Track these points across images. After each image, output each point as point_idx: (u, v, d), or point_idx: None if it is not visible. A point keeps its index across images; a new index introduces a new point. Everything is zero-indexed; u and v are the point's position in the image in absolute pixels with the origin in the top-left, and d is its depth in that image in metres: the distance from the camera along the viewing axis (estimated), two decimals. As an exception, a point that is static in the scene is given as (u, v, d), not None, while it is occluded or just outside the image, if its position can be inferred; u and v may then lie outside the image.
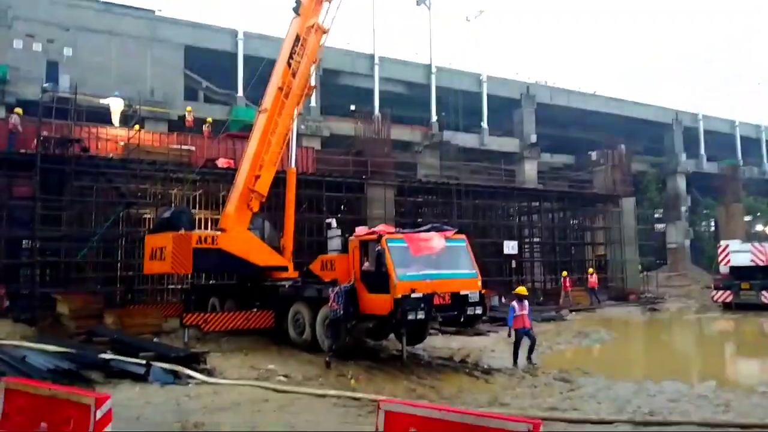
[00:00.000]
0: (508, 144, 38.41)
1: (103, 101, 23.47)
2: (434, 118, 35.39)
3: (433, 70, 36.02)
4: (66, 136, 19.69)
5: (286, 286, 14.36)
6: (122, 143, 21.15)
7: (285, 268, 15.66)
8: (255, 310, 14.41)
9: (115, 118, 23.08)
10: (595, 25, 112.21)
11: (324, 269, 13.89)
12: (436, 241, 12.60)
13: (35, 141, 18.87)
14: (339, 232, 16.79)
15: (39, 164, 18.18)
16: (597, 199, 32.81)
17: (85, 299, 15.92)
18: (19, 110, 20.55)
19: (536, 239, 32.81)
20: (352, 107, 35.74)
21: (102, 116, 22.99)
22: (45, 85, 24.50)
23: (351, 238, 13.51)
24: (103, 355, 10.77)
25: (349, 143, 28.76)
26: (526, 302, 12.76)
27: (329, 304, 11.91)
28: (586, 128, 42.99)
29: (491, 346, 14.90)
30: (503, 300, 22.81)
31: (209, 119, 24.74)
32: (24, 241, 19.61)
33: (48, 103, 22.05)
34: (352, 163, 25.51)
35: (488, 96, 37.55)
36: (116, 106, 23.38)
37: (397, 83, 35.62)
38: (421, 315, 11.33)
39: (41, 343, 11.61)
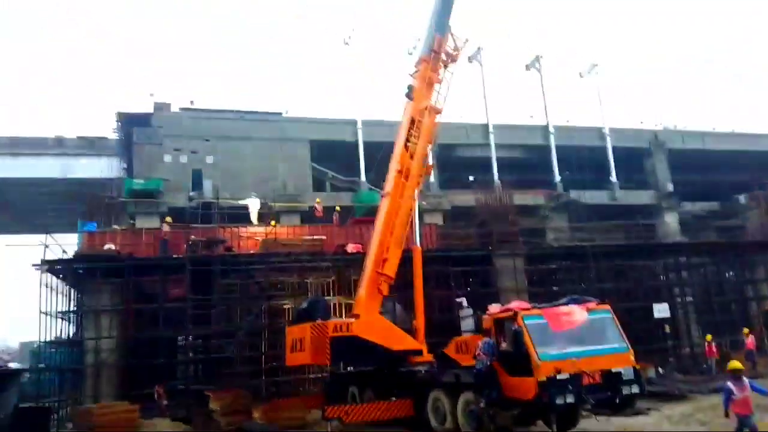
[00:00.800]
0: (642, 197, 36.08)
1: (242, 202, 25.46)
2: (557, 178, 34.33)
3: (551, 129, 35.32)
4: (211, 238, 21.48)
5: (423, 372, 14.04)
6: (260, 239, 22.60)
7: (420, 352, 15.37)
8: (394, 399, 14.16)
9: (254, 217, 24.86)
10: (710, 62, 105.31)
11: (459, 352, 13.45)
12: (577, 314, 11.81)
13: (185, 245, 20.74)
14: (471, 311, 16.30)
15: (189, 267, 19.87)
16: (754, 248, 29.34)
17: (234, 395, 16.63)
18: (168, 219, 22.82)
19: (689, 298, 29.74)
20: (471, 178, 35.76)
21: (242, 216, 24.83)
22: (191, 193, 27.15)
23: (484, 317, 13.04)
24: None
25: (472, 215, 28.52)
26: (745, 380, 9.62)
27: (476, 354, 11.40)
28: (727, 170, 39.35)
29: (654, 427, 13.33)
30: (660, 371, 20.60)
31: (338, 207, 25.87)
32: (179, 338, 21.19)
33: (194, 209, 24.45)
34: (476, 234, 25.15)
35: (613, 148, 35.92)
36: (254, 205, 25.22)
37: (514, 148, 35.26)
38: (570, 399, 10.47)
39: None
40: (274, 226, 23.31)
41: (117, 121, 32.04)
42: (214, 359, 19.75)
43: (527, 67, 37.65)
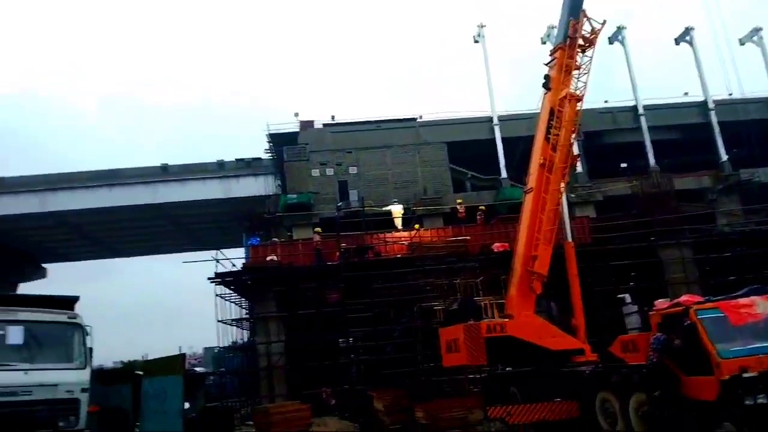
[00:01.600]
0: (831, 169, 31.39)
1: (385, 208, 26.22)
2: (724, 157, 31.04)
3: (711, 105, 32.06)
4: (360, 245, 22.36)
5: (587, 372, 13.39)
6: (406, 243, 23.08)
7: (581, 351, 14.70)
8: (558, 400, 13.66)
9: (398, 222, 25.49)
10: None
11: (626, 351, 12.62)
12: (760, 306, 10.57)
13: (336, 253, 21.81)
14: (635, 308, 15.31)
15: (342, 273, 20.87)
16: None
17: (394, 394, 17.09)
18: (318, 230, 24.11)
19: None
20: (623, 165, 33.51)
21: (388, 221, 25.54)
22: (339, 203, 28.48)
23: (651, 313, 12.13)
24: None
25: (627, 204, 26.70)
26: None
27: (649, 354, 10.67)
28: None
29: None
30: None
31: (482, 207, 25.62)
32: (341, 341, 22.29)
33: (342, 219, 25.58)
34: (634, 225, 23.47)
35: (790, 119, 31.68)
36: (397, 210, 25.85)
37: (669, 129, 32.52)
38: (762, 399, 9.36)
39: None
40: (418, 229, 23.68)
41: (268, 142, 34.61)
42: (374, 360, 20.51)
43: (677, 41, 34.61)
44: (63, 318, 10.44)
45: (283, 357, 21.28)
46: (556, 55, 16.78)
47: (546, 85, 16.76)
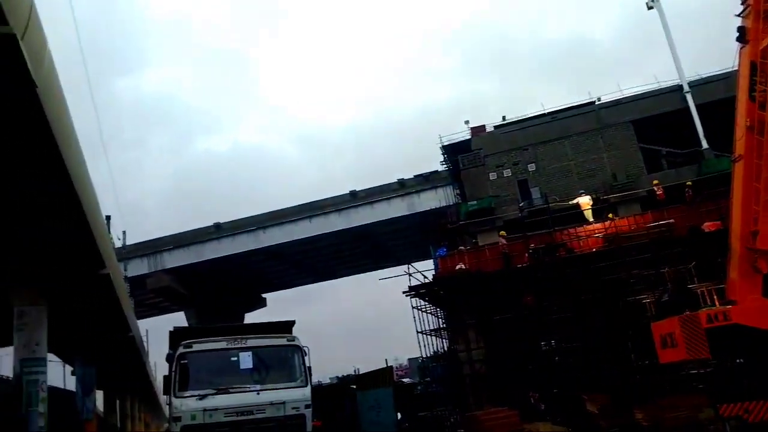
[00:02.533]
0: None
1: (572, 202, 24.94)
2: None
3: None
4: (550, 243, 21.55)
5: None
6: (601, 235, 21.71)
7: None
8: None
9: (588, 214, 24.06)
10: None
11: None
12: None
13: (525, 255, 21.27)
14: None
15: (534, 274, 20.29)
16: None
17: (608, 396, 16.11)
18: (503, 233, 23.69)
19: None
20: None
21: (576, 215, 24.24)
22: (521, 203, 27.79)
23: None
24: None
25: None
26: None
27: None
28: None
29: None
30: None
31: (689, 182, 23.18)
32: (542, 343, 21.62)
33: (527, 218, 24.92)
34: None
35: None
36: (585, 202, 24.45)
37: None
38: None
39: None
40: (612, 219, 22.14)
41: (442, 153, 35.19)
42: (580, 361, 19.54)
43: None
44: (283, 342, 11.57)
45: (484, 364, 21.25)
46: (750, 1, 14.68)
47: (741, 39, 14.70)
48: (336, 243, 43.23)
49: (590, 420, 15.65)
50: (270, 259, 44.92)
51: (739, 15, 15.09)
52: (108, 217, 35.10)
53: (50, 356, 34.28)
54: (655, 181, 25.01)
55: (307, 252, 44.62)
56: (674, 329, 13.31)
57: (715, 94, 24.90)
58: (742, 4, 15.06)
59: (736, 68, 14.98)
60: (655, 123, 28.97)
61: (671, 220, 20.84)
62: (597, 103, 31.45)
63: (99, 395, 55.91)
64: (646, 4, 30.92)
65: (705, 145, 27.34)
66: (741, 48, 14.74)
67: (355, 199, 40.52)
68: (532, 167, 30.33)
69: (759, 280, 13.60)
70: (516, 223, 25.76)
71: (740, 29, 14.72)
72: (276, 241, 41.50)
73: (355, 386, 12.79)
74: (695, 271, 19.24)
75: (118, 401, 67.96)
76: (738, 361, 14.67)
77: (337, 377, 23.96)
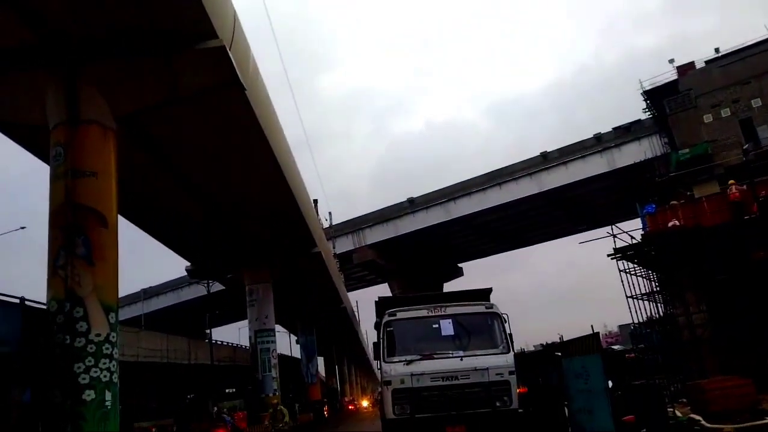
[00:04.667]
0: None
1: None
2: None
3: None
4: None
5: None
6: None
7: None
8: None
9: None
10: None
11: None
12: None
13: (754, 204, 18.45)
14: None
15: (767, 226, 17.53)
16: None
17: None
18: (732, 181, 20.76)
19: None
20: None
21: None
22: (745, 146, 24.21)
23: None
24: None
25: None
26: None
27: None
28: None
29: None
30: None
31: None
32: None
33: (754, 162, 21.58)
34: None
35: None
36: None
37: None
38: None
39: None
40: None
41: (644, 100, 32.06)
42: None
43: None
44: (482, 309, 11.59)
45: (707, 329, 19.06)
46: None
47: None
48: (528, 209, 42.09)
49: None
50: (462, 230, 45.37)
51: None
52: (315, 201, 38.48)
53: (278, 327, 39.13)
54: None
55: (499, 220, 44.14)
56: None
57: None
58: None
59: None
60: None
61: None
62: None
63: (320, 361, 62.40)
64: None
65: None
66: None
67: (547, 160, 38.86)
68: (756, 102, 26.29)
69: None
70: (740, 170, 22.41)
71: None
72: (466, 211, 41.72)
73: (560, 353, 12.35)
74: None
75: (336, 367, 75.23)
76: None
77: (541, 345, 23.40)
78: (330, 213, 50.29)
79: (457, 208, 42.05)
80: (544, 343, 23.96)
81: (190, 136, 17.32)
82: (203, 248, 29.19)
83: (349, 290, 52.89)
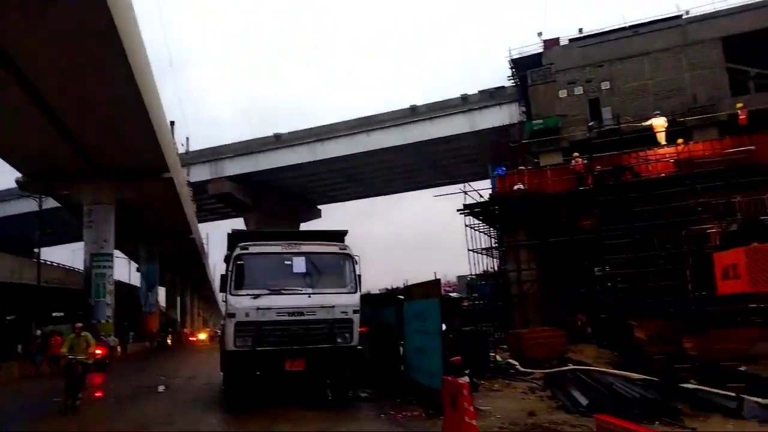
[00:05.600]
0: None
1: (645, 123, 23.53)
2: None
3: None
4: (617, 165, 20.59)
5: None
6: (672, 160, 20.55)
7: None
8: None
9: (661, 137, 22.67)
10: None
11: None
12: None
13: (590, 177, 20.45)
14: None
15: (598, 197, 19.57)
16: None
17: (659, 324, 15.76)
18: (577, 153, 22.71)
19: None
20: None
21: (648, 138, 22.91)
22: (590, 123, 26.46)
23: None
24: (686, 385, 10.21)
25: None
26: None
27: None
28: None
29: None
30: None
31: None
32: (596, 269, 21.20)
33: (595, 139, 23.79)
34: None
35: None
36: (659, 124, 23.01)
37: None
38: None
39: (624, 370, 11.98)
40: (681, 143, 20.84)
41: (510, 68, 33.59)
42: (634, 288, 19.13)
43: None
44: (335, 249, 11.72)
45: (534, 284, 21.13)
46: None
47: None
48: (392, 158, 42.98)
49: (637, 346, 15.44)
50: (326, 172, 45.33)
51: None
52: (172, 123, 36.03)
53: (117, 253, 36.78)
54: (739, 105, 23.16)
55: (364, 166, 44.66)
56: (738, 260, 12.66)
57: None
58: None
59: None
60: (748, 41, 26.44)
61: (752, 147, 19.37)
62: (684, 17, 28.88)
63: (161, 292, 60.20)
64: None
65: (802, 66, 24.91)
66: None
67: (415, 114, 39.71)
68: (605, 85, 28.63)
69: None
70: (583, 145, 24.63)
71: None
72: (333, 154, 41.65)
73: (402, 297, 12.96)
74: (771, 203, 18.11)
75: (179, 298, 73.00)
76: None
77: (386, 289, 24.49)
78: (188, 138, 47.61)
79: (324, 149, 41.79)
80: (390, 287, 25.07)
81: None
82: (38, 157, 26.22)
83: (200, 221, 50.96)
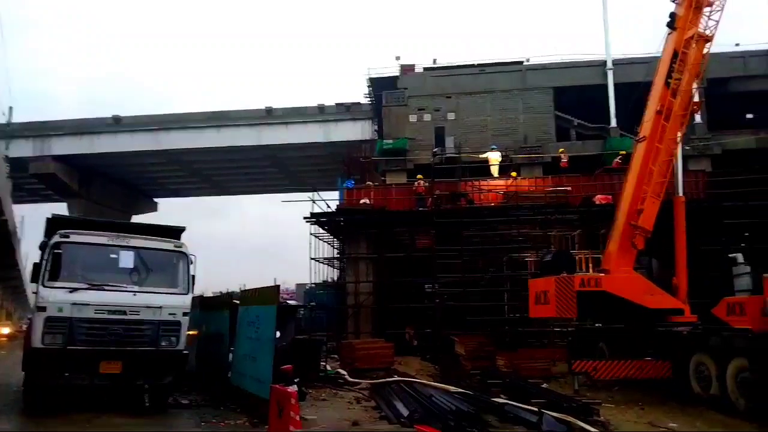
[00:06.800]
0: None
1: (482, 156, 25.49)
2: None
3: None
4: (454, 191, 22.07)
5: (685, 332, 12.61)
6: (502, 192, 22.48)
7: (680, 312, 13.89)
8: (649, 359, 13.06)
9: (494, 170, 24.73)
10: None
11: (731, 314, 11.70)
12: None
13: (429, 199, 21.69)
14: (748, 269, 14.06)
15: (435, 219, 20.79)
16: None
17: (478, 341, 17.09)
18: (420, 176, 23.95)
19: None
20: (749, 116, 30.41)
21: (484, 169, 24.83)
22: (435, 149, 28.05)
23: (766, 275, 11.08)
24: (496, 399, 11.16)
25: (750, 159, 24.30)
26: None
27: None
28: None
29: None
30: None
31: (622, 153, 23.45)
32: (426, 286, 22.45)
33: (438, 165, 25.23)
34: (755, 182, 21.33)
35: None
36: (494, 158, 25.08)
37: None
38: None
39: (444, 383, 12.79)
40: (515, 177, 22.97)
41: (368, 86, 34.50)
42: (459, 306, 20.56)
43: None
44: (170, 246, 11.03)
45: (370, 297, 21.82)
46: (686, -10, 15.20)
47: (671, 24, 15.35)
48: (244, 158, 41.86)
49: (457, 360, 16.60)
50: (168, 164, 42.80)
51: (673, 0, 15.63)
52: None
53: None
54: (562, 149, 26.04)
55: (211, 162, 42.94)
56: (549, 288, 14.22)
57: (634, 76, 25.87)
58: (679, -9, 15.58)
59: (661, 53, 15.66)
60: (575, 93, 29.88)
61: (568, 188, 21.93)
62: (525, 63, 31.88)
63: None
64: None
65: (614, 123, 28.67)
66: (669, 34, 15.37)
67: (270, 116, 39.10)
68: (451, 116, 30.48)
69: (633, 255, 14.77)
70: (426, 168, 26.03)
71: (672, 15, 15.30)
72: (178, 145, 39.43)
73: (238, 301, 12.61)
74: (579, 238, 20.57)
75: (-22, 288, 64.03)
76: (596, 324, 16.06)
77: (221, 292, 23.68)
78: (11, 107, 42.19)
79: (169, 139, 39.37)
80: (227, 290, 24.28)
81: None
82: None
83: (17, 202, 45.24)
